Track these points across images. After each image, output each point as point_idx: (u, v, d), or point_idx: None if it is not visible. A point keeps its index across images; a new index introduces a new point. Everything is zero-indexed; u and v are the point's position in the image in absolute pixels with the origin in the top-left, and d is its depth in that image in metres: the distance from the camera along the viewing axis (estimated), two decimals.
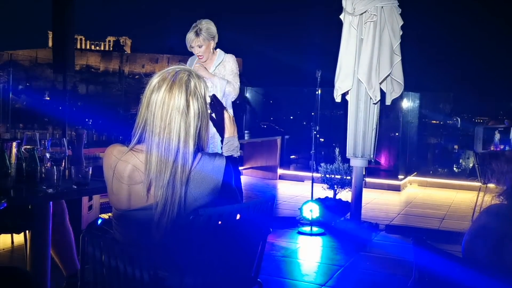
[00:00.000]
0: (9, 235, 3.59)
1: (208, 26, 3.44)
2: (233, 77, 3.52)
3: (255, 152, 8.25)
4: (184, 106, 1.49)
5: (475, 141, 5.70)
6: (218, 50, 3.58)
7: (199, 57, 3.48)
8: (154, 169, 1.49)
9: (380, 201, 6.50)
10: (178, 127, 1.49)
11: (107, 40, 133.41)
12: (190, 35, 3.42)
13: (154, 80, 1.54)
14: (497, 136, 5.45)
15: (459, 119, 11.67)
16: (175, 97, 1.49)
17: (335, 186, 5.32)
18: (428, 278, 1.26)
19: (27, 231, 2.74)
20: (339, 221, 4.84)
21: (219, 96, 3.37)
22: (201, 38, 3.39)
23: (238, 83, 3.56)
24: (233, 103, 3.72)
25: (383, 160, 8.42)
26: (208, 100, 1.59)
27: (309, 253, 4.06)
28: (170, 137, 1.48)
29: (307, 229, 4.56)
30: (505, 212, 1.27)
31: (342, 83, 4.59)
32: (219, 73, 3.52)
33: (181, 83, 1.51)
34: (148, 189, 1.50)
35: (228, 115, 1.79)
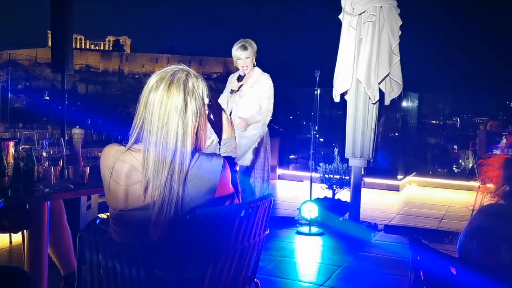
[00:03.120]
0: (7, 234, 3.59)
1: (251, 42, 3.96)
2: (268, 100, 3.95)
3: None
4: (182, 106, 1.49)
5: (480, 145, 5.67)
6: (256, 67, 4.01)
7: (244, 68, 3.91)
8: (152, 169, 1.48)
9: (379, 201, 6.50)
10: (176, 126, 1.49)
11: (106, 39, 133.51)
12: (239, 49, 3.90)
13: (152, 80, 1.54)
14: (504, 141, 5.42)
15: (458, 119, 11.68)
16: (173, 96, 1.49)
17: (334, 186, 5.31)
18: (425, 278, 1.26)
19: (24, 231, 2.74)
20: (338, 221, 4.84)
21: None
22: (248, 51, 3.90)
23: (272, 104, 3.98)
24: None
25: (382, 160, 8.42)
26: (206, 101, 1.59)
27: (307, 253, 4.06)
28: (168, 136, 1.48)
29: (305, 229, 4.56)
30: (500, 211, 1.28)
31: (341, 83, 4.59)
32: (252, 94, 3.93)
33: (179, 82, 1.51)
34: (145, 188, 1.50)
35: (226, 116, 1.79)
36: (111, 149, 1.58)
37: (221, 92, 4.13)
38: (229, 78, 4.12)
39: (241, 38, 4.00)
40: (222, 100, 4.03)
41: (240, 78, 3.93)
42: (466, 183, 7.51)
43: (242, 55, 3.90)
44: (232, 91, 3.94)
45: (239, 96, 3.97)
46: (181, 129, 1.49)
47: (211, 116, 1.75)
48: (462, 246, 1.29)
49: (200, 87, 1.55)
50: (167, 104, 1.49)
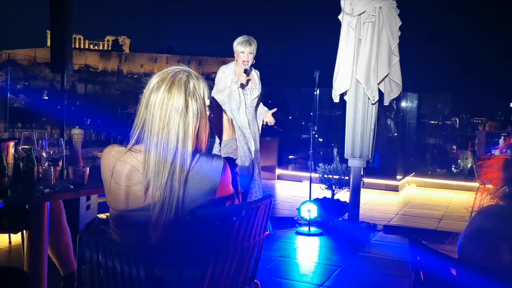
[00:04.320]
0: (6, 235, 3.59)
1: (254, 40, 4.07)
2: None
3: None
4: (183, 107, 1.49)
5: (479, 146, 5.68)
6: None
7: (245, 63, 3.99)
8: (153, 169, 1.48)
9: (378, 202, 6.51)
10: (177, 127, 1.49)
11: (105, 39, 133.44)
12: (243, 44, 3.99)
13: (154, 81, 1.54)
14: (502, 142, 5.44)
15: (457, 120, 11.69)
16: (174, 97, 1.49)
17: (333, 186, 5.32)
18: (425, 279, 1.26)
19: (24, 231, 2.74)
20: (337, 221, 4.85)
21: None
22: (252, 47, 4.02)
23: None
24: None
25: (381, 161, 8.42)
26: (207, 101, 1.59)
27: (307, 253, 4.06)
28: (169, 137, 1.48)
29: (305, 229, 4.56)
30: (499, 213, 1.28)
31: (341, 83, 4.59)
32: (257, 92, 4.14)
33: (180, 83, 1.51)
34: (146, 189, 1.50)
35: (227, 118, 1.79)
36: (112, 149, 1.58)
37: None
38: (224, 69, 4.13)
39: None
40: (221, 94, 4.01)
41: (245, 72, 3.98)
42: (465, 184, 7.52)
43: (246, 50, 3.98)
44: (242, 85, 3.98)
45: (250, 98, 4.08)
46: (182, 130, 1.49)
47: (212, 118, 1.75)
48: (462, 247, 1.29)
49: (201, 88, 1.55)
50: (168, 104, 1.49)
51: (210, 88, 1.65)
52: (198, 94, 1.53)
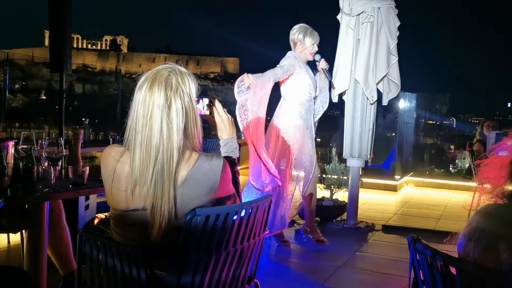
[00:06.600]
0: (5, 234, 3.59)
1: None
2: None
3: None
4: (164, 102, 1.49)
5: (487, 147, 5.68)
6: None
7: (313, 53, 3.96)
8: (138, 167, 1.49)
9: (377, 201, 6.52)
10: (159, 123, 1.48)
11: (103, 39, 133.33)
12: (315, 35, 3.95)
13: (140, 80, 1.55)
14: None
15: (455, 120, 11.73)
16: (155, 94, 1.49)
17: (332, 186, 5.33)
18: (424, 278, 1.27)
19: (24, 231, 2.74)
20: (336, 221, 4.86)
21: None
22: None
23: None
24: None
25: (379, 161, 8.44)
26: (195, 97, 1.58)
27: (305, 253, 4.07)
28: (152, 133, 1.48)
29: (304, 229, 4.56)
30: (498, 212, 1.29)
31: (339, 83, 4.60)
32: None
33: (161, 80, 1.51)
34: (133, 188, 1.51)
35: (227, 117, 1.79)
36: (111, 150, 1.58)
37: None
38: (289, 60, 3.93)
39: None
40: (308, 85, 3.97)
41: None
42: (463, 183, 7.53)
43: (316, 41, 3.96)
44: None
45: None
46: (165, 125, 1.49)
47: (211, 116, 1.75)
48: (461, 247, 1.30)
49: (186, 83, 1.54)
50: (150, 101, 1.49)
51: (208, 87, 1.65)
52: (182, 89, 1.53)
